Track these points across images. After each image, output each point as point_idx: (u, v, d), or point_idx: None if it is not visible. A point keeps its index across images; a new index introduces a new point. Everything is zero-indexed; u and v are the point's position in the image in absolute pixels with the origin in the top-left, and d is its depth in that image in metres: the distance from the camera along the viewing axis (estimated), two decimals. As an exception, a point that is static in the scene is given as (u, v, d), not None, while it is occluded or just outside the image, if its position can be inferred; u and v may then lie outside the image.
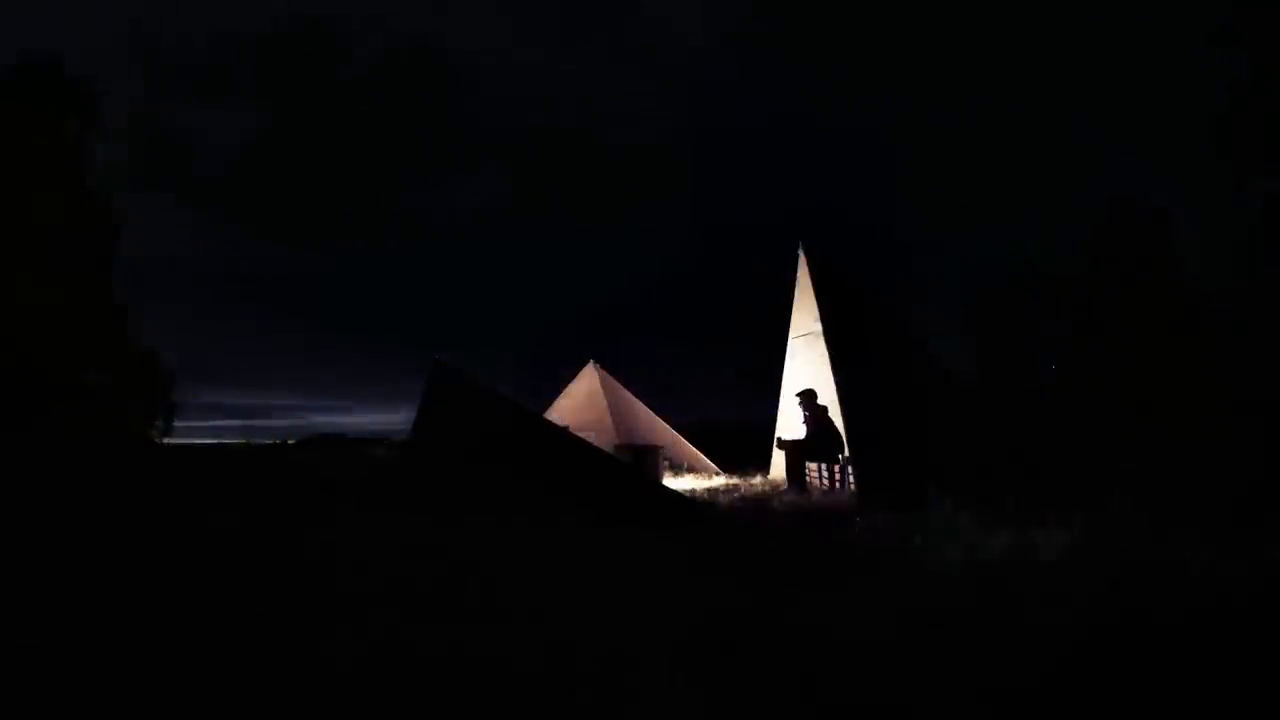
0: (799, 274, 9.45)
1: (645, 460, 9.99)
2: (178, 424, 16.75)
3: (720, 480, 10.13)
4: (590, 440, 9.13)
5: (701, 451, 11.60)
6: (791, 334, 10.08)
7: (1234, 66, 10.54)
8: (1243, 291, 10.29)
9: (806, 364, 9.69)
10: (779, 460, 10.08)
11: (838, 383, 7.64)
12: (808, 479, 8.88)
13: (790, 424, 9.82)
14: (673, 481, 9.84)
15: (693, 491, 8.86)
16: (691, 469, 11.44)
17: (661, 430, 11.84)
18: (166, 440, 16.68)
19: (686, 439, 11.73)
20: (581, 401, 12.40)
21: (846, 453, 8.00)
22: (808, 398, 9.11)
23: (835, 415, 8.40)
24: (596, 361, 12.48)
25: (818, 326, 8.80)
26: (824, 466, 8.72)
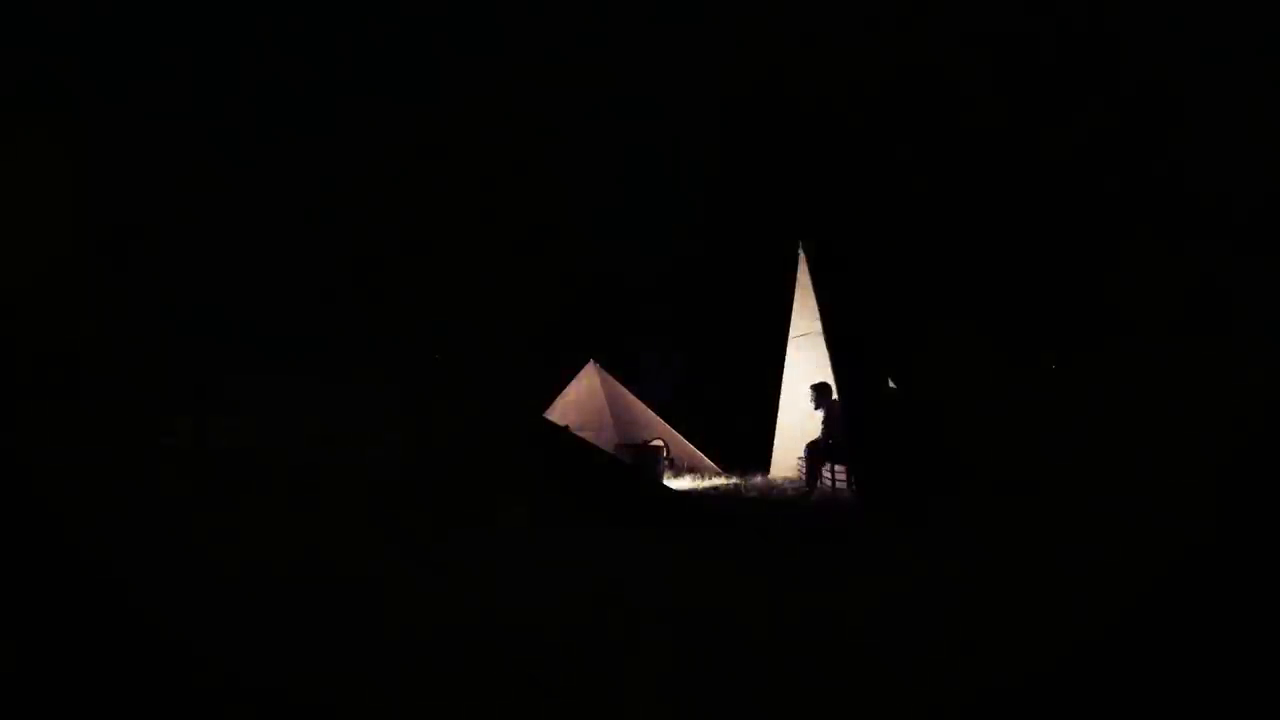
0: (799, 274, 9.43)
1: (645, 460, 9.97)
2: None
3: (720, 480, 10.11)
4: (590, 440, 9.13)
5: (701, 451, 11.57)
6: (791, 334, 10.05)
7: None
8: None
9: (807, 364, 9.66)
10: (779, 460, 10.06)
11: (838, 383, 7.62)
12: (819, 481, 8.70)
13: (794, 424, 9.80)
14: (673, 481, 9.82)
15: (693, 491, 8.85)
16: (691, 469, 11.41)
17: (662, 430, 11.80)
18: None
19: (687, 439, 11.70)
20: (582, 401, 12.36)
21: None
22: (822, 392, 8.89)
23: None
24: (596, 361, 12.44)
25: (818, 326, 8.78)
26: (834, 467, 8.57)
